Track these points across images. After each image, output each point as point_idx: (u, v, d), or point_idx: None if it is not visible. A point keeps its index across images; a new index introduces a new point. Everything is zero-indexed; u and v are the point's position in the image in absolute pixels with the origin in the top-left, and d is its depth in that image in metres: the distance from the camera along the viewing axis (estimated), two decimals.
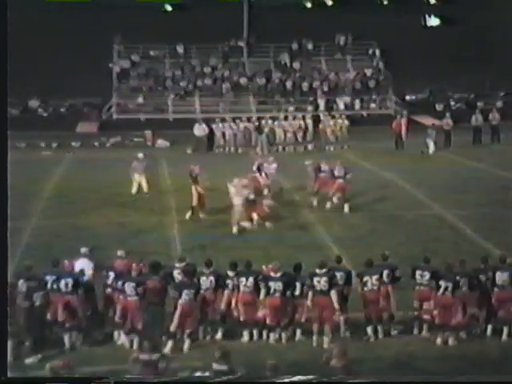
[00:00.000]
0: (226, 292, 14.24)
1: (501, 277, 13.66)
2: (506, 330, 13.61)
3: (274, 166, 24.47)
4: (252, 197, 20.90)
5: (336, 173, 22.94)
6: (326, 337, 13.72)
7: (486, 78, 42.23)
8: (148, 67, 42.66)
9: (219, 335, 14.12)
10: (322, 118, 36.86)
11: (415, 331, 13.98)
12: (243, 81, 42.20)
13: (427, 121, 38.30)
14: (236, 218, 20.55)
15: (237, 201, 20.74)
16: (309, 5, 44.97)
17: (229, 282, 14.25)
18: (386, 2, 45.53)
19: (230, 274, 14.30)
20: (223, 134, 35.04)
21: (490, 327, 13.73)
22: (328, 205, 22.76)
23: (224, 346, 11.86)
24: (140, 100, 40.57)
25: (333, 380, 9.97)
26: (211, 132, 35.06)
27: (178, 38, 42.44)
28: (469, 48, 42.28)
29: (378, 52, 44.35)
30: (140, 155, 25.75)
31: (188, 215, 21.86)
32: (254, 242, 19.65)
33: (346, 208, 22.56)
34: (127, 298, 13.80)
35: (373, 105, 41.81)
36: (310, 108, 40.28)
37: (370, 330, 13.99)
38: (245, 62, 43.83)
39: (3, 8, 9.45)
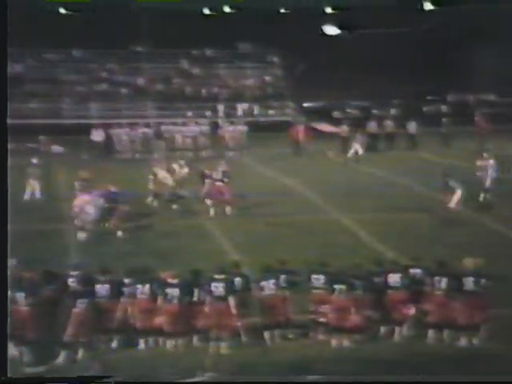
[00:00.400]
0: (122, 300, 13.96)
1: (393, 279, 13.95)
2: (397, 331, 13.88)
3: (186, 170, 24.45)
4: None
5: (215, 176, 23.25)
6: (224, 343, 13.64)
7: (382, 86, 43.30)
8: (43, 71, 41.72)
9: (115, 344, 13.82)
10: (220, 124, 36.92)
11: (312, 334, 14.08)
12: (142, 86, 41.83)
13: (325, 128, 38.93)
14: None
15: None
16: (207, 11, 45.02)
17: (125, 289, 13.98)
18: (283, 10, 46.08)
19: (126, 281, 14.04)
20: (121, 140, 34.58)
21: (383, 328, 13.98)
22: (211, 211, 22.86)
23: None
24: (34, 105, 39.60)
25: (333, 380, 9.84)
26: (109, 137, 34.55)
27: (75, 42, 41.69)
28: (367, 57, 43.26)
29: (277, 60, 44.80)
30: (34, 161, 25.22)
31: None
32: (152, 248, 19.44)
33: (228, 211, 22.76)
34: (19, 307, 13.34)
35: (271, 111, 42.20)
36: (209, 114, 40.29)
37: (267, 334, 13.99)
38: (144, 67, 43.45)
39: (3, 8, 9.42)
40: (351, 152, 33.17)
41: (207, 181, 23.52)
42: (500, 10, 45.06)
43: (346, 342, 13.76)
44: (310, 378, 9.33)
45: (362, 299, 13.91)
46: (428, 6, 43.74)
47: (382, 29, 44.84)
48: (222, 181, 23.26)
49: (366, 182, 28.53)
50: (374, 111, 42.64)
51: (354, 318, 13.76)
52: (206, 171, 23.89)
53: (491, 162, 23.82)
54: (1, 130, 9.65)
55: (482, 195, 23.62)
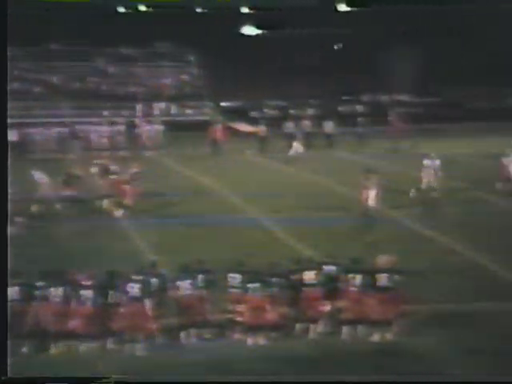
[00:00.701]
0: (34, 303, 13.61)
1: (308, 276, 14.05)
2: (312, 328, 13.98)
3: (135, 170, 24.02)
4: None
5: (123, 177, 23.12)
6: (139, 344, 13.47)
7: (299, 86, 43.69)
8: None
9: (25, 349, 13.47)
10: (137, 123, 36.57)
11: (228, 334, 14.05)
12: (56, 84, 41.04)
13: (243, 127, 39.04)
14: None
15: None
16: (122, 9, 44.52)
17: (37, 292, 13.64)
18: (199, 10, 46.03)
19: (39, 284, 13.71)
20: (35, 140, 33.84)
21: (298, 326, 14.06)
22: (119, 212, 22.68)
23: None
24: None
25: (332, 380, 9.62)
26: (22, 137, 33.75)
27: None
28: (284, 57, 43.58)
29: (195, 59, 44.67)
30: None
31: None
32: (68, 250, 19.10)
33: (137, 210, 22.68)
34: None
35: (189, 111, 42.05)
36: (125, 113, 39.84)
37: (183, 334, 13.89)
38: (58, 65, 42.64)
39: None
40: (292, 151, 33.28)
41: (111, 180, 23.24)
42: (413, 11, 46.15)
43: (261, 341, 13.79)
44: (311, 377, 9.43)
45: (277, 297, 13.96)
46: (343, 8, 44.46)
47: (299, 29, 45.31)
48: (128, 182, 23.02)
49: (284, 181, 28.70)
50: (292, 111, 42.95)
51: (270, 316, 13.81)
52: (112, 171, 23.56)
53: (437, 162, 24.10)
54: (1, 130, 9.87)
55: (412, 192, 23.98)
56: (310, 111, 43.21)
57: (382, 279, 14.05)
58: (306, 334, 13.98)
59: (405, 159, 32.00)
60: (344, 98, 45.75)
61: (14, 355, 12.55)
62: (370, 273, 14.15)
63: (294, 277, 14.18)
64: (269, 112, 43.87)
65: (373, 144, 35.84)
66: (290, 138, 34.26)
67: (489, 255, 18.43)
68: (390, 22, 46.05)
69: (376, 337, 13.84)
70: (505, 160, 25.76)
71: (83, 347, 13.53)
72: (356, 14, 47.49)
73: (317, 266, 14.42)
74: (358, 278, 14.08)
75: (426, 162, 24.17)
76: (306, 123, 37.43)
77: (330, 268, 14.32)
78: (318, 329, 14.02)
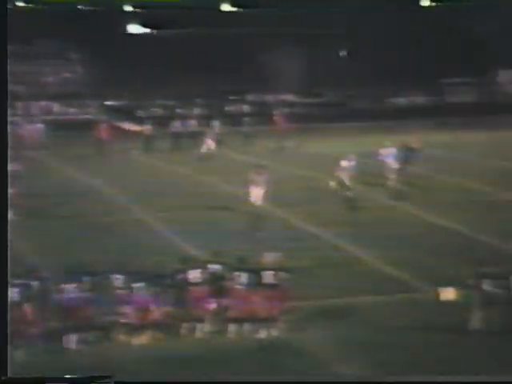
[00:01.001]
0: None
1: (194, 275, 14.01)
2: (199, 327, 13.93)
3: None
4: None
5: None
6: (20, 349, 13.07)
7: (185, 85, 43.57)
8: None
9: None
10: (18, 122, 35.54)
11: (113, 335, 13.81)
12: None
13: (128, 126, 38.60)
14: None
15: None
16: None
17: None
18: (81, 7, 45.18)
19: None
20: None
21: (184, 325, 13.98)
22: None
23: None
24: None
25: (332, 380, 9.66)
26: None
27: None
28: (171, 55, 43.32)
29: (78, 57, 43.81)
30: None
31: None
32: None
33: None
34: None
35: (73, 110, 41.20)
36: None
37: (67, 338, 13.56)
38: None
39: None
40: (204, 148, 32.91)
41: None
42: (297, 14, 46.84)
43: (147, 341, 13.64)
44: (312, 377, 9.32)
45: (162, 297, 13.84)
46: (227, 8, 44.65)
47: (184, 29, 45.18)
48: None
49: (171, 180, 28.51)
50: (178, 110, 42.78)
51: (155, 316, 13.68)
52: None
53: (353, 163, 24.44)
54: (1, 130, 9.87)
55: (331, 185, 24.07)
56: (197, 110, 43.17)
57: (268, 277, 14.17)
58: (193, 333, 13.93)
59: (292, 158, 32.46)
60: (230, 97, 45.97)
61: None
62: (256, 271, 14.24)
63: (179, 276, 14.10)
64: (155, 111, 43.52)
65: (259, 143, 36.12)
66: (201, 135, 33.90)
67: (373, 251, 18.91)
68: (275, 24, 46.59)
69: (262, 334, 13.93)
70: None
71: None
72: (241, 14, 47.80)
73: (202, 265, 14.39)
74: (244, 276, 14.14)
75: (343, 162, 24.61)
76: (193, 122, 37.37)
77: (215, 267, 14.32)
78: (204, 328, 13.98)
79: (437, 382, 11.39)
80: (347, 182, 23.85)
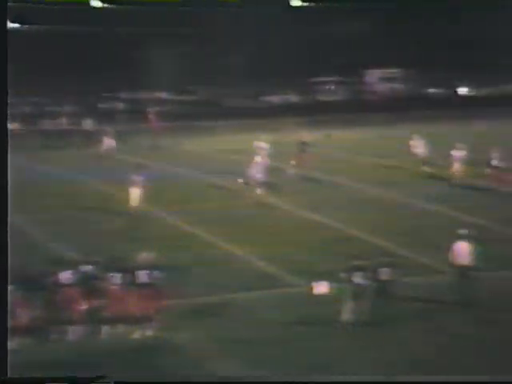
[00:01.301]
0: None
1: (65, 276, 13.66)
2: (71, 329, 13.56)
3: None
4: None
5: None
6: None
7: (56, 83, 42.54)
8: None
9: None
10: None
11: None
12: None
13: None
14: None
15: None
16: None
17: None
18: None
19: None
20: None
21: (55, 328, 13.59)
22: None
23: None
24: None
25: (332, 380, 9.74)
26: None
27: None
28: (42, 52, 42.16)
29: None
30: None
31: None
32: None
33: None
34: None
35: None
36: None
37: None
38: None
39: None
40: (103, 147, 31.89)
41: None
42: (170, 13, 46.58)
43: (15, 347, 13.17)
44: (312, 377, 9.03)
45: (30, 301, 13.36)
46: (98, 4, 43.84)
47: (57, 24, 44.04)
48: None
49: (42, 181, 27.61)
50: (48, 108, 41.59)
51: (22, 321, 13.19)
52: None
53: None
54: (1, 130, 9.91)
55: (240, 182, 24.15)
56: (68, 108, 42.10)
57: (142, 276, 13.99)
58: (64, 336, 13.53)
59: (168, 156, 32.25)
60: (103, 95, 45.16)
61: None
62: (130, 270, 14.03)
63: (49, 278, 13.67)
64: (24, 108, 42.11)
65: (132, 141, 35.61)
66: (102, 133, 32.98)
67: (246, 247, 19.03)
68: (148, 22, 46.17)
69: (137, 334, 13.73)
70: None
71: None
72: (111, 10, 47.02)
73: (73, 266, 14.03)
74: (118, 276, 13.90)
75: (256, 158, 24.93)
76: (64, 120, 36.46)
77: (87, 267, 13.99)
78: (75, 330, 13.62)
79: (437, 382, 11.47)
80: (261, 178, 24.07)
